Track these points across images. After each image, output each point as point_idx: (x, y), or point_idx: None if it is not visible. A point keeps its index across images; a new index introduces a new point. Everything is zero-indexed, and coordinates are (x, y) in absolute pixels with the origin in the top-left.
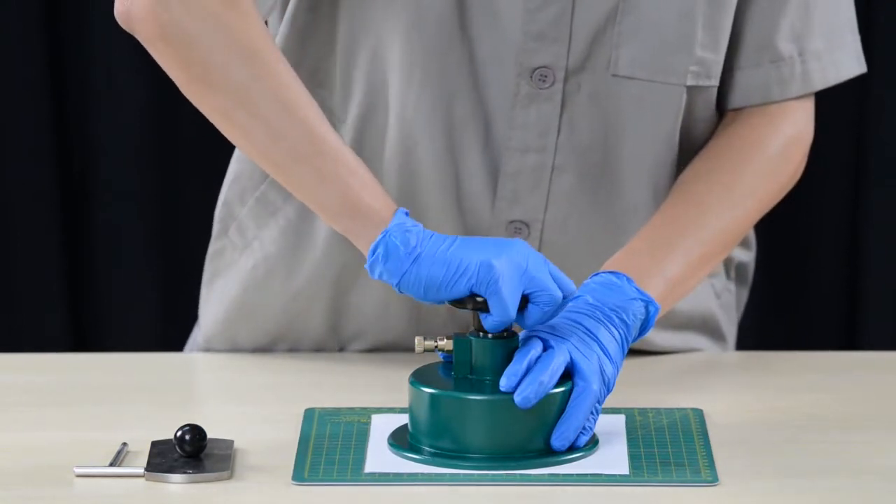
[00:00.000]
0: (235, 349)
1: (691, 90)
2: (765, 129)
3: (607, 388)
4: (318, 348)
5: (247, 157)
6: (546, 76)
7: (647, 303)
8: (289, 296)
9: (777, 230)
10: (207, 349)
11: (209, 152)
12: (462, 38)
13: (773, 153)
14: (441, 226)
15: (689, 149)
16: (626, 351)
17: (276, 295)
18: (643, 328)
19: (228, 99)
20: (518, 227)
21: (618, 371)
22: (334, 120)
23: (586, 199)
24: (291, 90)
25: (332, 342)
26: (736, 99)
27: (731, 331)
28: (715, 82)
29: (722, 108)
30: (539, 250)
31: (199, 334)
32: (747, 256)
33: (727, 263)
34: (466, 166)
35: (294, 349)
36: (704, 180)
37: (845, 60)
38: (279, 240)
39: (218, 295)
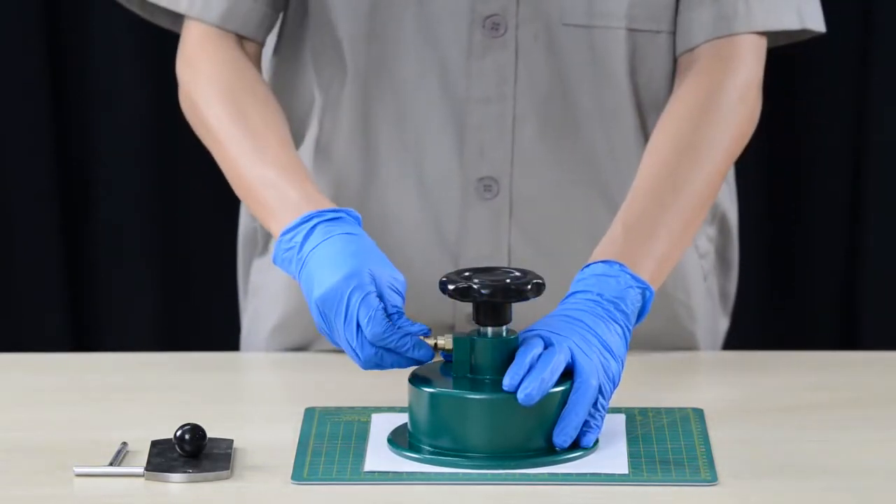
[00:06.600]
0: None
1: (636, 35)
2: (719, 75)
3: (612, 383)
4: None
5: None
6: (498, 24)
7: (644, 289)
8: None
9: (777, 230)
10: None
11: (209, 152)
12: None
13: (730, 100)
14: (403, 197)
15: (653, 101)
16: (628, 341)
17: None
18: (640, 314)
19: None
20: (487, 185)
21: (622, 364)
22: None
23: (550, 150)
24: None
25: None
26: (682, 41)
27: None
28: (663, 27)
29: (676, 56)
30: (510, 208)
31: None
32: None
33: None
34: (429, 124)
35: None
36: (670, 147)
37: (786, 12)
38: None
39: None
